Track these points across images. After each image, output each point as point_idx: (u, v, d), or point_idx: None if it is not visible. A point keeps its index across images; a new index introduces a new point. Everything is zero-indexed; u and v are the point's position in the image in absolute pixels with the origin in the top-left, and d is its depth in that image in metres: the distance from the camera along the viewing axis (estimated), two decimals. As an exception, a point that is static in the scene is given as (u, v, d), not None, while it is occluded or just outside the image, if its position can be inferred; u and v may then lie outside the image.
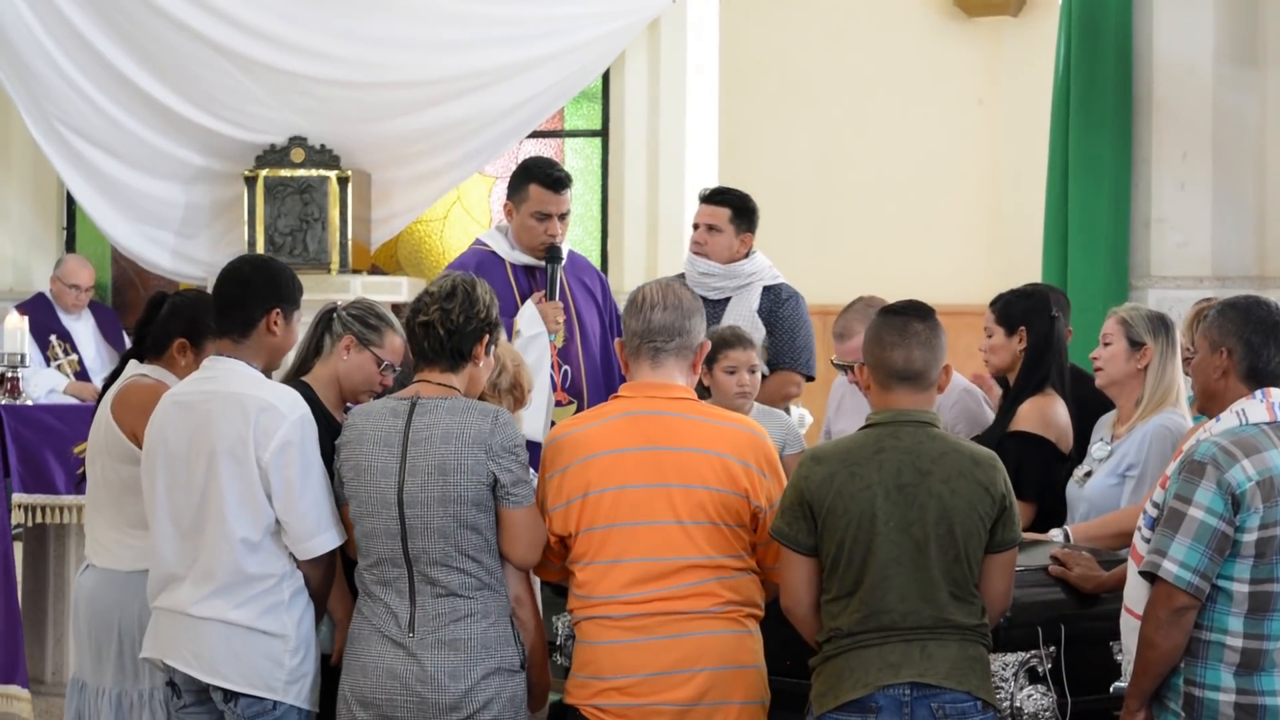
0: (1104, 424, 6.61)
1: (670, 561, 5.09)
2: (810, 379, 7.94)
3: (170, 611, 5.41)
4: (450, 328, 5.24)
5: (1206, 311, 5.68)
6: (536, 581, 5.43)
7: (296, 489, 5.31)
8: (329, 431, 5.46)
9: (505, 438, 5.15)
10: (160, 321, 5.99)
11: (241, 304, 5.50)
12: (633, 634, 5.10)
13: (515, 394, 5.75)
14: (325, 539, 5.35)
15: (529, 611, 5.27)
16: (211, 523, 5.34)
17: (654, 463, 5.12)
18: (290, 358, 5.81)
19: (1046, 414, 6.69)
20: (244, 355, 5.47)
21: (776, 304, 7.92)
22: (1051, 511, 6.52)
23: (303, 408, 5.38)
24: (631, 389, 5.26)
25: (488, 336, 5.31)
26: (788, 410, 7.70)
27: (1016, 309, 6.82)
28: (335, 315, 5.77)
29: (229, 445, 5.32)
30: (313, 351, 5.79)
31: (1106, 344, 6.48)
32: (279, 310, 5.53)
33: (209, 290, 5.74)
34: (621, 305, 7.68)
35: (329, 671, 5.48)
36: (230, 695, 5.34)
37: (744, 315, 7.67)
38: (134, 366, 6.02)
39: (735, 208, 8.00)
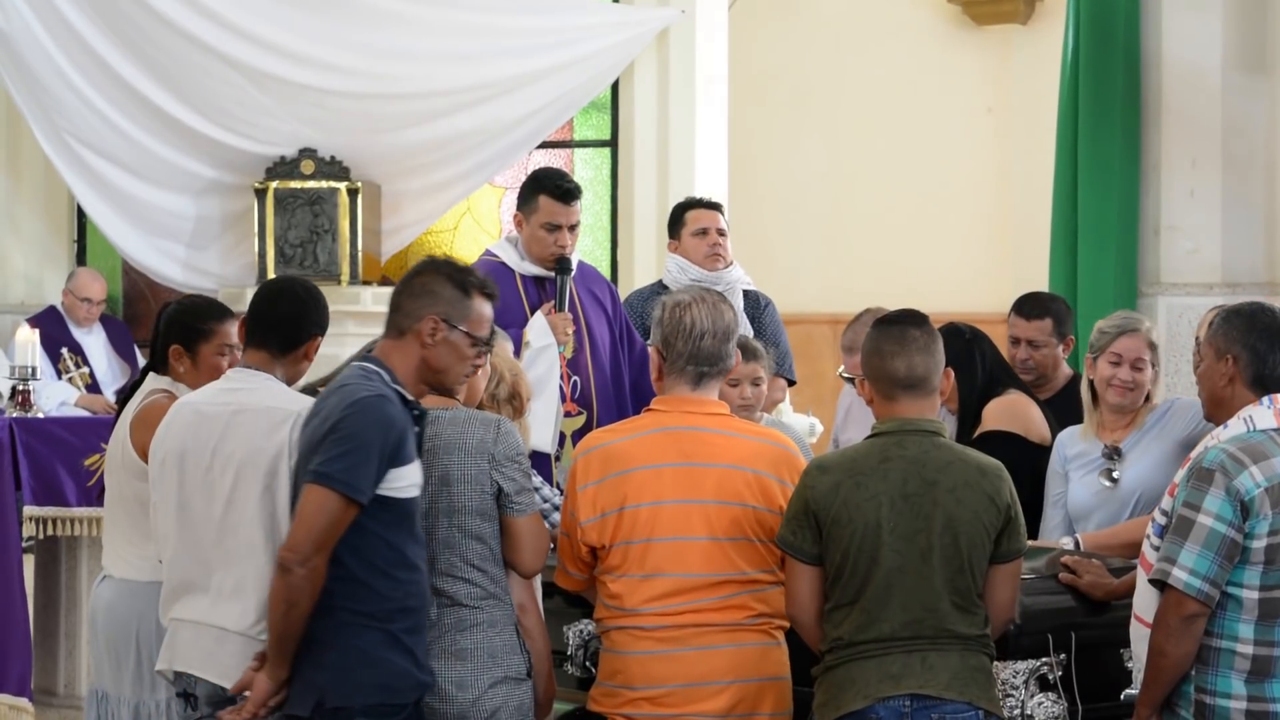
0: (1070, 438, 6.56)
1: (706, 577, 5.11)
2: (792, 383, 8.02)
3: (195, 624, 5.34)
4: (448, 339, 5.23)
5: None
6: (539, 590, 5.42)
7: None
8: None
9: (508, 446, 5.15)
10: (160, 334, 6.01)
11: (294, 322, 5.45)
12: (665, 645, 5.11)
13: (514, 404, 5.73)
14: None
15: (534, 619, 5.27)
16: (241, 536, 5.28)
17: (691, 479, 5.13)
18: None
19: (1010, 411, 6.66)
20: (275, 371, 5.43)
21: (757, 310, 7.98)
22: (1033, 505, 6.51)
23: None
24: (667, 403, 5.26)
25: (484, 346, 5.31)
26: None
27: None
28: None
29: (261, 459, 5.25)
30: None
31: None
32: (320, 339, 5.53)
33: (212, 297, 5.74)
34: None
35: None
36: None
37: None
38: (152, 380, 6.02)
39: (722, 213, 8.10)
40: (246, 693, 5.12)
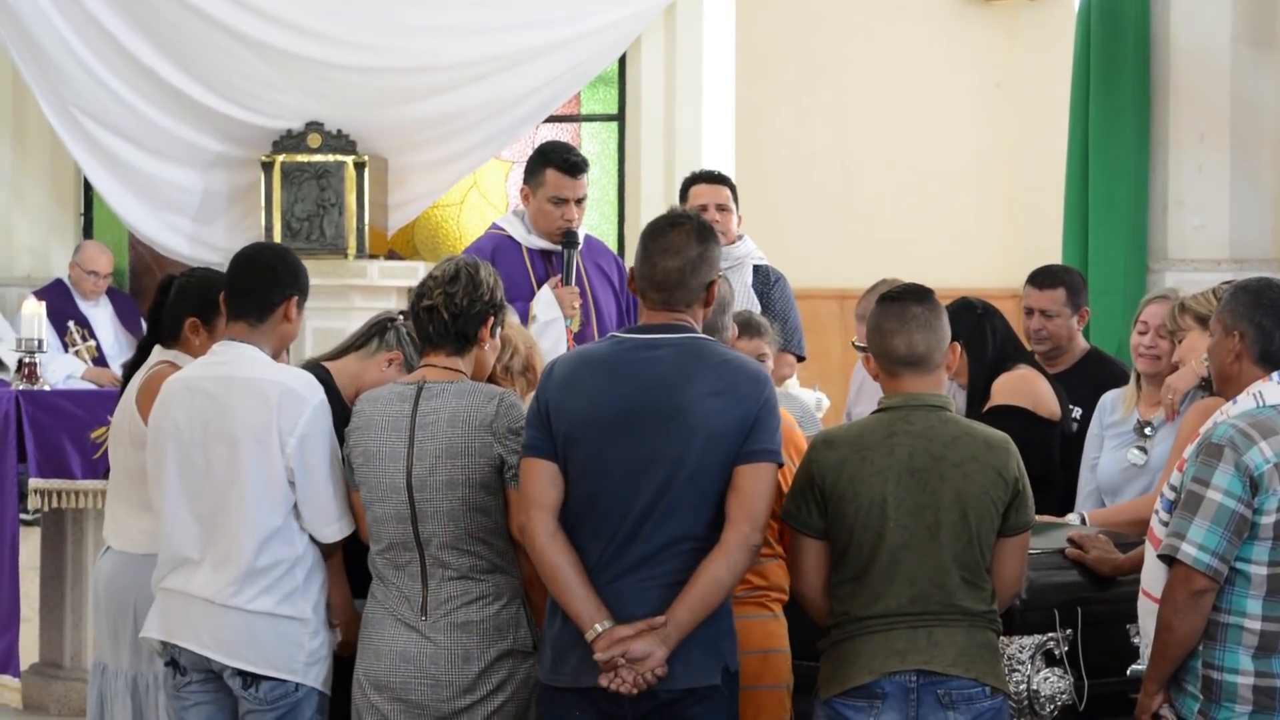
0: (1113, 402, 6.60)
1: None
2: (801, 359, 8.00)
3: (184, 595, 5.40)
4: (454, 311, 5.23)
5: (1180, 300, 5.69)
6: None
7: (322, 476, 5.33)
8: (342, 419, 5.47)
9: (511, 419, 5.14)
10: (171, 304, 6.02)
11: (264, 289, 5.51)
12: None
13: (528, 376, 5.74)
14: (346, 523, 5.38)
15: (541, 594, 5.26)
16: (234, 510, 5.33)
17: None
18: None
19: (1018, 386, 6.66)
20: (257, 340, 5.47)
21: (767, 285, 7.96)
22: (1043, 480, 6.49)
23: (321, 392, 5.40)
24: None
25: (492, 319, 5.30)
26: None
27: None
28: (395, 327, 5.79)
29: (252, 433, 5.32)
30: (356, 345, 5.81)
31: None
32: (297, 298, 5.55)
33: (223, 271, 5.75)
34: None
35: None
36: (250, 680, 5.34)
37: (740, 292, 7.69)
38: (158, 352, 6.02)
39: (732, 187, 8.07)
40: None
